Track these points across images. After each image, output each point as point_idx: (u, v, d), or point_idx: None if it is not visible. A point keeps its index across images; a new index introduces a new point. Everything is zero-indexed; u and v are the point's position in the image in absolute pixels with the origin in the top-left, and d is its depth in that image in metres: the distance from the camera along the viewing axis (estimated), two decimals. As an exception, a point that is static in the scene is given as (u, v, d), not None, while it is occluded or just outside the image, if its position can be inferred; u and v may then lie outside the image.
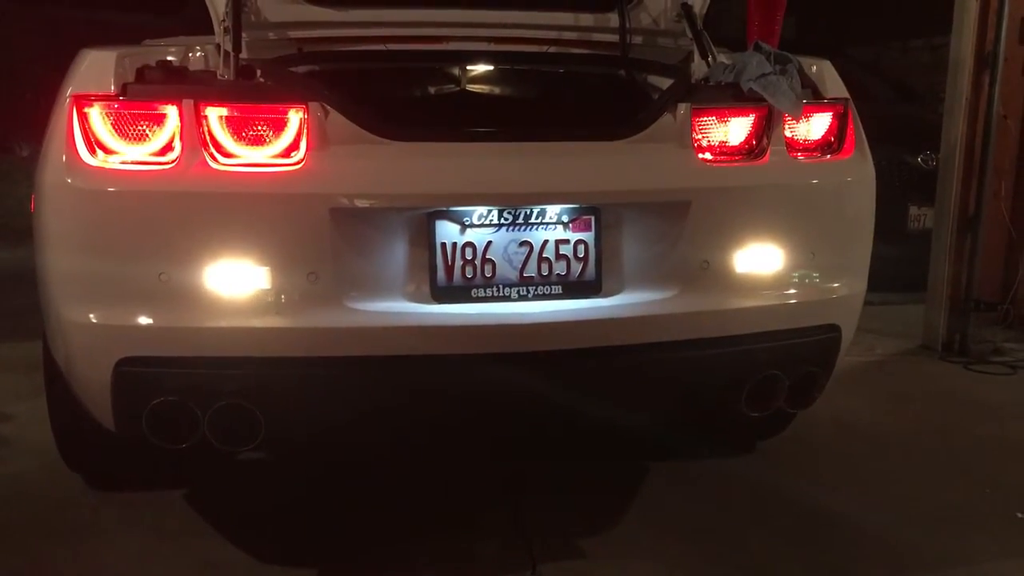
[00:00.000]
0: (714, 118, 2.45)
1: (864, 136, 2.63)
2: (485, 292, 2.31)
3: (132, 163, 2.18)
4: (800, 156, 2.54)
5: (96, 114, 2.18)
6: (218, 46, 2.53)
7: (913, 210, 5.50)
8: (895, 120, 6.04)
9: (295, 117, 2.21)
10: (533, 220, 2.31)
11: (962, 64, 4.30)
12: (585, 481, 3.03)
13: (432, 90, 2.96)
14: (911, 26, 8.00)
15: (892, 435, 3.48)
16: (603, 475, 3.07)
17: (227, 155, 2.20)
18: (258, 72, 2.44)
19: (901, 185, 5.51)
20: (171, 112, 2.18)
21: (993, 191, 4.38)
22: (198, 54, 2.63)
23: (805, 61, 2.61)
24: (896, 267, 4.76)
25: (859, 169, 2.59)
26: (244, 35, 2.51)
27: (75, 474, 2.89)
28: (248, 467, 3.02)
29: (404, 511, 2.80)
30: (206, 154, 2.18)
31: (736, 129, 2.47)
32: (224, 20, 2.51)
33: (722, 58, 2.74)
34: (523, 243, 2.32)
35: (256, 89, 2.34)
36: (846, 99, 2.60)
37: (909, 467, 3.19)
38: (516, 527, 2.71)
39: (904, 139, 5.65)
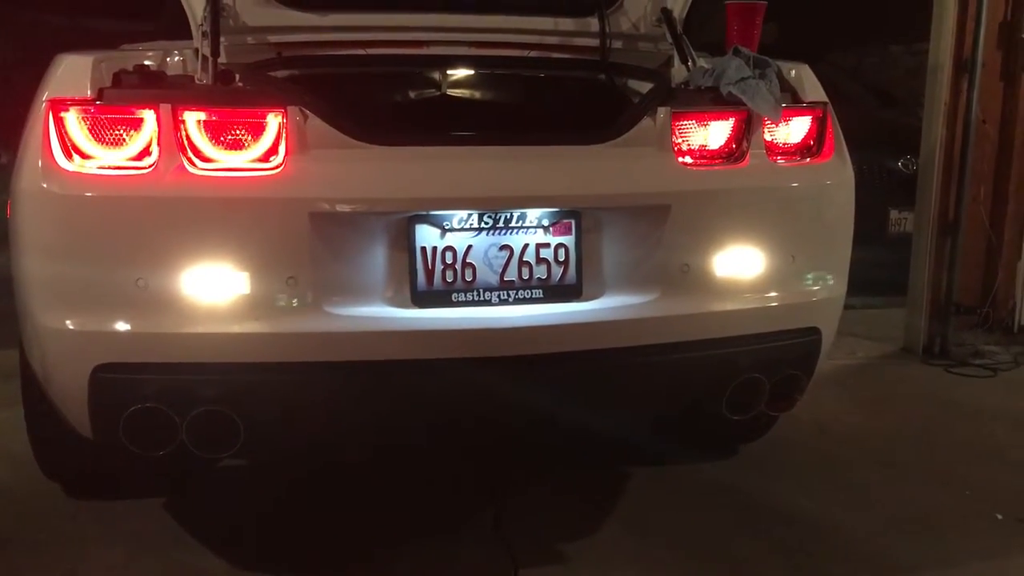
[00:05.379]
0: (694, 122, 2.46)
1: (843, 140, 2.64)
2: (465, 296, 2.30)
3: (109, 168, 2.17)
4: (779, 160, 2.55)
5: (72, 119, 2.17)
6: (196, 50, 2.51)
7: (894, 214, 5.54)
8: (876, 125, 6.09)
9: (274, 121, 2.20)
10: (513, 224, 2.31)
11: (941, 69, 4.32)
12: (567, 486, 3.02)
13: (412, 94, 2.95)
14: (892, 31, 8.06)
15: (873, 438, 3.50)
16: (585, 480, 3.07)
17: (205, 160, 2.19)
18: (237, 77, 2.43)
19: (882, 189, 5.55)
20: (148, 117, 2.16)
21: (972, 195, 4.40)
22: (176, 58, 2.62)
23: (784, 65, 2.63)
24: (877, 271, 4.81)
25: (838, 172, 2.60)
26: (223, 39, 2.50)
27: (52, 482, 2.86)
28: (228, 473, 3.00)
29: (385, 517, 2.79)
30: (184, 159, 2.17)
31: (716, 133, 2.48)
32: (202, 24, 2.50)
33: (702, 62, 2.75)
34: (503, 247, 2.31)
35: (234, 93, 2.32)
36: (825, 103, 2.61)
37: (890, 470, 3.21)
38: (497, 533, 2.70)
39: (885, 143, 5.70)
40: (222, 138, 2.19)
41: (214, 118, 2.18)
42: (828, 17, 8.57)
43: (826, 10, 8.62)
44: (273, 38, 2.71)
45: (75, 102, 2.18)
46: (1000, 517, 2.88)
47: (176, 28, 2.68)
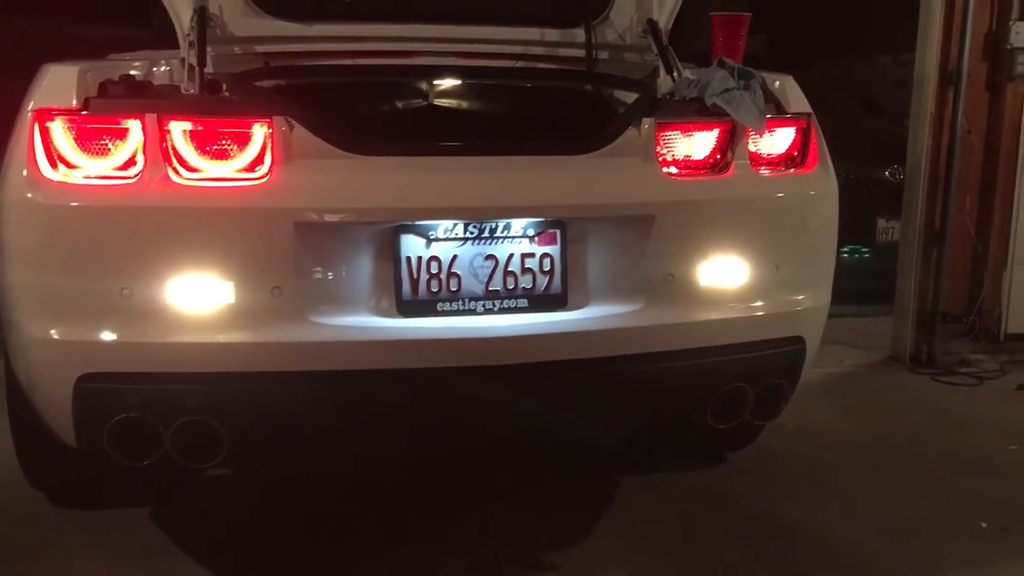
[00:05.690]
0: (678, 132, 2.47)
1: (827, 150, 2.66)
2: (451, 306, 2.31)
3: (94, 178, 2.17)
4: (764, 170, 2.56)
5: (58, 129, 2.17)
6: (183, 60, 2.52)
7: (881, 223, 5.57)
8: (863, 134, 6.13)
9: (259, 131, 2.21)
10: (499, 234, 2.32)
11: (926, 80, 4.35)
12: (555, 494, 3.03)
13: (399, 104, 2.96)
14: (880, 42, 8.11)
15: (861, 446, 3.51)
16: (573, 488, 3.07)
17: (190, 169, 2.19)
18: (223, 86, 2.43)
19: (869, 198, 5.58)
20: (134, 126, 2.17)
21: (959, 205, 4.43)
22: (163, 68, 2.62)
23: (768, 76, 2.64)
24: (865, 279, 4.84)
25: (822, 183, 2.62)
26: (210, 49, 2.51)
27: (37, 492, 2.84)
28: (214, 482, 2.99)
29: (371, 525, 2.78)
30: (169, 169, 2.17)
31: (700, 143, 2.49)
32: (189, 34, 2.51)
33: (687, 73, 2.76)
34: (489, 257, 2.32)
35: (219, 103, 2.33)
36: (809, 114, 2.63)
37: (877, 478, 3.22)
38: (484, 540, 2.70)
39: (872, 153, 5.73)
40: (208, 148, 2.20)
41: (200, 128, 2.19)
42: (817, 27, 8.62)
43: (815, 20, 8.69)
44: (260, 48, 2.72)
45: (61, 112, 2.18)
46: (985, 525, 2.89)
47: (167, 36, 2.68)
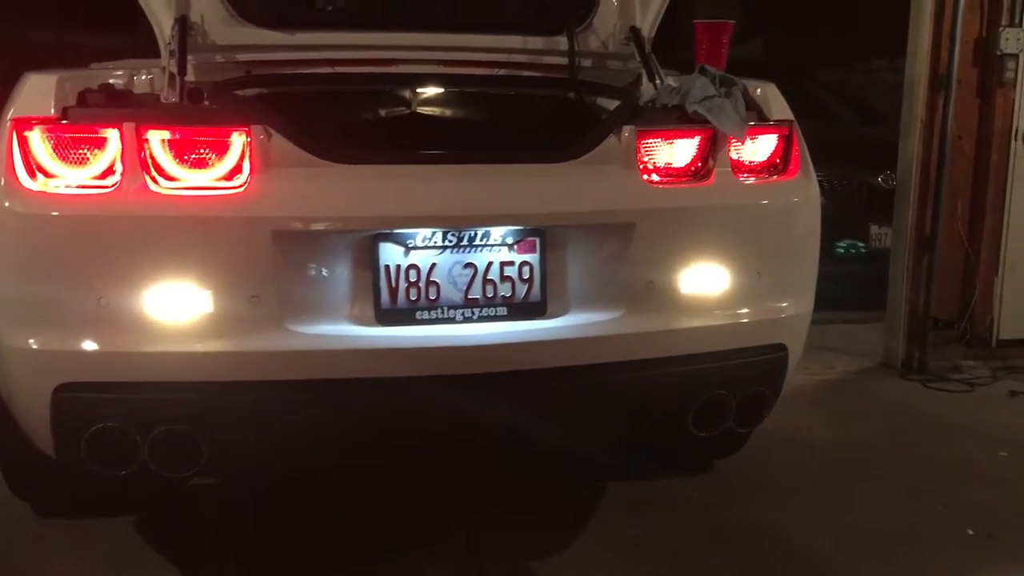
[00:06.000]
0: (659, 140, 2.47)
1: (809, 157, 2.65)
2: (430, 314, 2.30)
3: (73, 187, 2.17)
4: (745, 177, 2.55)
5: (36, 138, 2.17)
6: (164, 68, 2.52)
7: (874, 229, 5.56)
8: (857, 140, 6.12)
9: (237, 140, 2.21)
10: (478, 242, 2.31)
11: (917, 86, 4.35)
12: (539, 502, 3.02)
13: (380, 112, 2.96)
14: (876, 47, 8.12)
15: (850, 453, 3.50)
16: (558, 496, 3.07)
17: (169, 178, 2.19)
18: (204, 95, 2.43)
19: (862, 204, 5.57)
20: (112, 136, 2.16)
21: (950, 211, 4.42)
22: (144, 77, 2.62)
23: (750, 84, 2.64)
24: (857, 285, 4.83)
25: (804, 190, 2.61)
26: (191, 58, 2.51)
27: (21, 501, 2.84)
28: (199, 491, 2.98)
29: (355, 534, 2.78)
30: (147, 178, 2.17)
31: (681, 151, 2.49)
32: (170, 43, 2.51)
33: (669, 80, 2.76)
34: (468, 265, 2.32)
35: (197, 112, 2.33)
36: (790, 121, 2.62)
37: (865, 485, 3.21)
38: (470, 548, 2.69)
39: (865, 159, 5.72)
40: (186, 157, 2.20)
41: (177, 137, 2.19)
42: (812, 33, 8.63)
43: (810, 26, 8.69)
44: (242, 56, 2.72)
45: (39, 121, 2.18)
46: (971, 532, 2.88)
47: (152, 45, 2.68)
